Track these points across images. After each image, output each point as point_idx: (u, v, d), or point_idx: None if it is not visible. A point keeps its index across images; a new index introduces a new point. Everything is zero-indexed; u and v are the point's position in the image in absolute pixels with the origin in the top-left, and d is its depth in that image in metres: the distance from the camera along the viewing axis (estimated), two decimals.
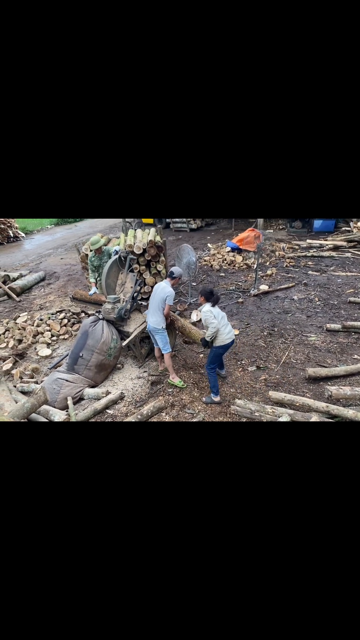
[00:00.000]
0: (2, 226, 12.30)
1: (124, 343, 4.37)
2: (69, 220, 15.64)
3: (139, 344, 4.58)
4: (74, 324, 5.81)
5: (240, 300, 6.35)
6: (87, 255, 6.42)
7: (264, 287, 6.68)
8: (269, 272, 7.39)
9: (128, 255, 4.79)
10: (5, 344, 5.33)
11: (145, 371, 4.55)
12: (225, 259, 8.28)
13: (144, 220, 12.65)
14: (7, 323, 5.86)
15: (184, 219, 11.46)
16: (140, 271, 6.19)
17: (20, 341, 5.38)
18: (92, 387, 4.22)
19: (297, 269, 7.54)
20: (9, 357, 4.96)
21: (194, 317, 5.72)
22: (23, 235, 13.31)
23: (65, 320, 5.80)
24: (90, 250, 5.15)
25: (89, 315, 5.93)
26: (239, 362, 4.56)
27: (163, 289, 3.86)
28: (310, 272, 7.33)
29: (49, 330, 5.58)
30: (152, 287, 4.93)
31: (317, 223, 9.55)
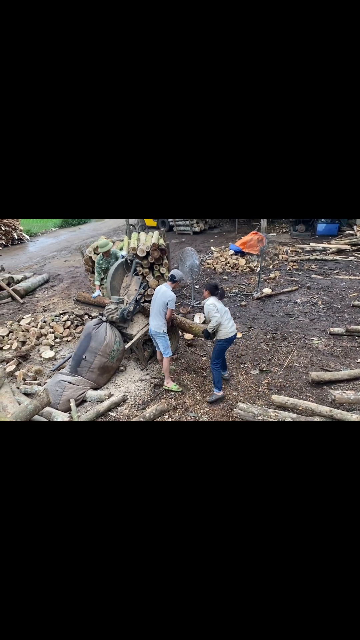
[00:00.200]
0: (7, 228, 12.41)
1: (127, 345, 4.38)
2: (72, 222, 15.75)
3: (141, 346, 4.59)
4: (77, 326, 5.83)
5: (243, 303, 6.34)
6: (90, 257, 6.45)
7: (267, 291, 6.67)
8: (272, 275, 7.39)
9: (134, 259, 4.84)
10: (8, 346, 5.36)
11: (147, 374, 4.55)
12: (229, 262, 8.28)
13: (148, 223, 12.71)
14: (11, 325, 5.89)
15: (187, 222, 11.49)
16: (143, 274, 6.21)
17: (23, 343, 5.40)
18: (95, 389, 4.22)
19: (300, 273, 7.53)
20: (13, 359, 4.98)
21: (197, 319, 5.72)
22: (27, 237, 13.42)
23: (69, 323, 5.83)
24: (98, 253, 5.19)
25: (92, 318, 5.95)
26: (242, 366, 4.55)
27: (164, 293, 3.85)
28: (313, 275, 7.31)
29: (52, 333, 5.60)
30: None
31: (321, 226, 9.54)
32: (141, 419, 3.49)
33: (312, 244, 8.85)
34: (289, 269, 7.73)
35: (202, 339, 5.16)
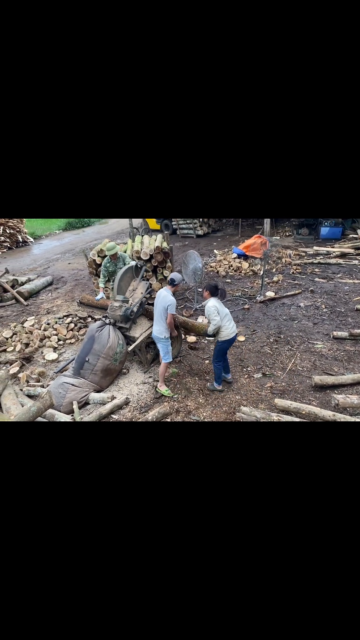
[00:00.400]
0: (11, 231, 12.51)
1: (130, 348, 4.39)
2: (76, 225, 15.84)
3: (144, 349, 4.60)
4: (80, 328, 5.85)
5: (246, 306, 6.34)
6: (94, 260, 6.49)
7: (270, 294, 6.67)
8: (275, 278, 7.39)
9: (144, 266, 5.00)
10: (12, 348, 5.39)
11: (150, 376, 4.55)
12: (232, 265, 8.29)
13: (151, 226, 12.76)
14: (15, 327, 5.92)
15: (191, 225, 11.52)
16: (149, 280, 6.24)
17: (27, 345, 5.43)
18: (98, 391, 4.23)
19: (303, 276, 7.52)
20: (16, 361, 5.01)
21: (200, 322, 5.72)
22: (32, 240, 13.51)
23: (72, 325, 5.85)
24: (103, 256, 5.23)
25: (95, 320, 5.97)
26: (245, 369, 4.54)
27: (164, 298, 3.82)
28: (317, 279, 7.30)
29: (56, 335, 5.63)
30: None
31: (324, 230, 9.53)
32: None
33: (315, 248, 8.85)
34: (292, 273, 7.72)
35: (205, 342, 5.16)
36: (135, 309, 4.49)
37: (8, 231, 12.43)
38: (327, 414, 3.31)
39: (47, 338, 5.56)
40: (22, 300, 7.29)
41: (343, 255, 8.32)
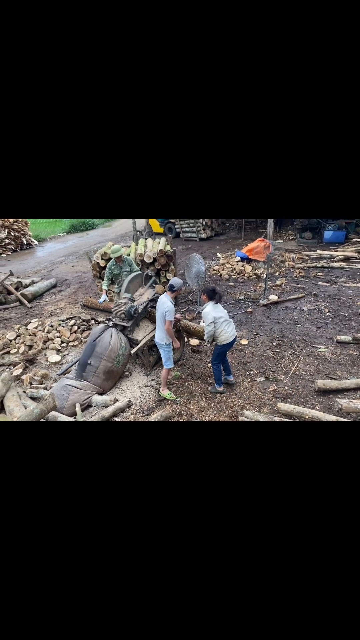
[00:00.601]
0: (16, 234, 12.60)
1: (133, 351, 4.40)
2: (80, 228, 15.93)
3: (147, 352, 4.60)
4: (83, 330, 5.87)
5: (249, 310, 6.34)
6: (98, 263, 6.52)
7: (273, 297, 6.66)
8: (278, 282, 7.38)
9: (154, 277, 5.14)
10: (16, 350, 5.41)
11: (153, 379, 4.55)
12: (235, 269, 8.30)
13: (154, 230, 12.81)
14: (19, 329, 5.95)
15: (194, 229, 11.55)
16: (145, 271, 6.27)
17: (30, 347, 5.45)
18: (100, 394, 4.23)
19: (307, 280, 7.51)
20: (20, 363, 5.03)
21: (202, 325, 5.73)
22: (36, 242, 13.60)
23: (75, 327, 5.87)
24: (107, 259, 5.27)
25: (98, 323, 5.99)
26: (248, 373, 4.53)
27: (163, 304, 3.78)
28: (320, 282, 7.28)
29: (59, 337, 5.65)
30: None
31: (328, 234, 9.52)
32: None
33: (319, 252, 8.83)
34: (296, 276, 7.71)
35: (207, 345, 5.16)
36: (139, 309, 4.52)
37: (13, 234, 12.52)
38: (331, 419, 3.29)
39: (51, 340, 5.58)
40: (26, 302, 7.33)
41: (347, 259, 8.29)
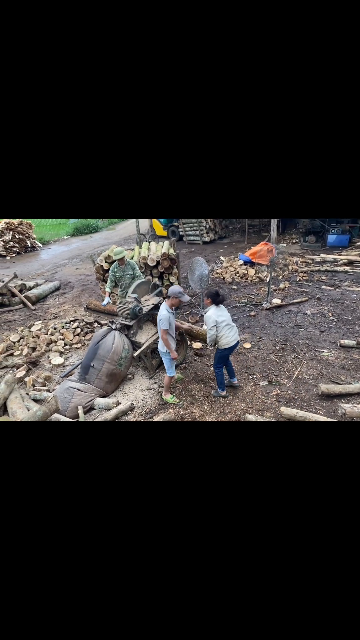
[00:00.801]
0: (21, 236, 12.70)
1: (136, 354, 4.40)
2: (84, 231, 16.04)
3: (150, 354, 4.60)
4: (86, 333, 5.88)
5: (252, 313, 6.33)
6: (102, 266, 6.55)
7: (276, 301, 6.64)
8: (281, 285, 7.37)
9: (161, 287, 5.19)
10: (19, 352, 5.44)
11: (155, 382, 4.55)
12: (238, 272, 8.30)
13: (158, 233, 12.85)
14: (22, 331, 5.98)
15: (197, 232, 11.58)
16: (152, 279, 6.29)
17: (34, 349, 5.47)
18: (103, 397, 4.24)
19: (310, 284, 7.49)
20: (23, 365, 5.05)
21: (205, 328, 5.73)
22: (40, 245, 13.70)
23: (79, 330, 5.89)
24: (111, 262, 5.30)
25: (102, 325, 6.01)
26: (251, 377, 4.51)
27: (159, 313, 3.72)
28: (323, 286, 7.26)
29: (62, 339, 5.66)
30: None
31: (331, 238, 9.51)
32: None
33: (322, 255, 8.82)
34: (299, 280, 7.70)
35: (210, 348, 5.15)
36: (144, 310, 4.54)
37: (17, 236, 12.62)
38: None
39: (54, 342, 5.60)
40: (29, 304, 7.37)
41: (350, 263, 8.27)
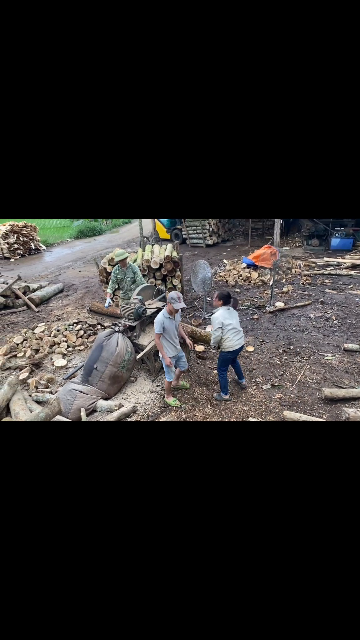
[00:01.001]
0: (25, 239, 12.79)
1: (138, 356, 4.40)
2: (88, 234, 16.12)
3: (152, 357, 4.60)
4: (89, 335, 5.90)
5: (255, 316, 6.31)
6: (105, 269, 6.58)
7: (279, 304, 6.63)
8: (285, 289, 7.35)
9: (164, 292, 5.20)
10: (22, 354, 5.45)
11: (158, 385, 4.55)
12: (241, 275, 8.30)
13: (161, 236, 12.90)
14: (25, 333, 6.01)
15: (200, 235, 11.61)
16: (156, 285, 6.30)
17: (37, 351, 5.49)
18: (106, 399, 4.24)
19: (313, 287, 7.47)
20: (26, 367, 5.06)
21: (208, 331, 5.72)
22: (44, 247, 13.78)
23: (82, 332, 5.90)
24: (114, 264, 5.32)
25: (104, 328, 6.02)
26: (254, 380, 4.50)
27: (156, 317, 3.69)
28: (327, 290, 7.24)
29: (65, 341, 5.68)
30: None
31: (335, 241, 9.49)
32: None
33: (325, 259, 8.80)
34: (302, 283, 7.68)
35: (213, 351, 5.15)
36: (147, 312, 4.55)
37: (22, 239, 12.71)
38: None
39: (57, 344, 5.62)
40: (33, 306, 7.41)
41: (354, 267, 8.24)
